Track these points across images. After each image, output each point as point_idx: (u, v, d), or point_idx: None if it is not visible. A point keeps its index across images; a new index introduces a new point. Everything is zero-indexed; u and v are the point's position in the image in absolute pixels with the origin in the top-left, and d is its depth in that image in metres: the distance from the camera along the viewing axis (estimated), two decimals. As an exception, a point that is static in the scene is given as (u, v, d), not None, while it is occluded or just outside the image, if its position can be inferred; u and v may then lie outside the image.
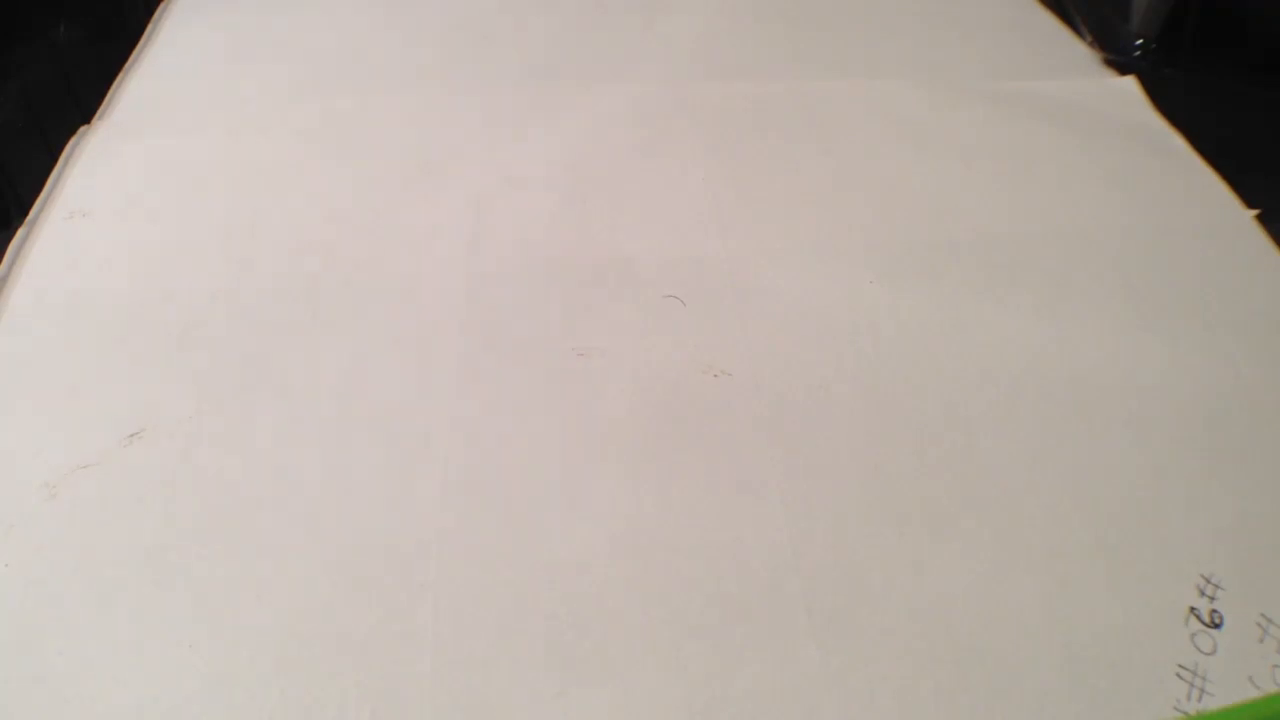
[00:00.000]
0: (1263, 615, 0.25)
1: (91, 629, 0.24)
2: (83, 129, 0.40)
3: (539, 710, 0.23)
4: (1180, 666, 0.24)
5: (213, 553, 0.26)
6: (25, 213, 0.35)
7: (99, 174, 0.38)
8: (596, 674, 0.23)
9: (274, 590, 0.25)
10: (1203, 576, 0.26)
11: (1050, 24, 0.50)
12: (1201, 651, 0.24)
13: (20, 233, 0.34)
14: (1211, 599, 0.25)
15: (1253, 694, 0.23)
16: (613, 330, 0.32)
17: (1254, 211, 0.37)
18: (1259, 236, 0.37)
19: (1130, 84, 0.44)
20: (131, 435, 0.28)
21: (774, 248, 0.35)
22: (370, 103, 0.42)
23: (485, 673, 0.23)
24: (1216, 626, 0.25)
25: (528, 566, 0.25)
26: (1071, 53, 0.48)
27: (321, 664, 0.23)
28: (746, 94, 0.43)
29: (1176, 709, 0.23)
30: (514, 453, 0.28)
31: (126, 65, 0.45)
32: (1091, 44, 0.48)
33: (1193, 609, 0.25)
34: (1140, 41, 0.48)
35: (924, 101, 0.43)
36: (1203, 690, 0.23)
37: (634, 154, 0.40)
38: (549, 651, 0.24)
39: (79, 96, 0.43)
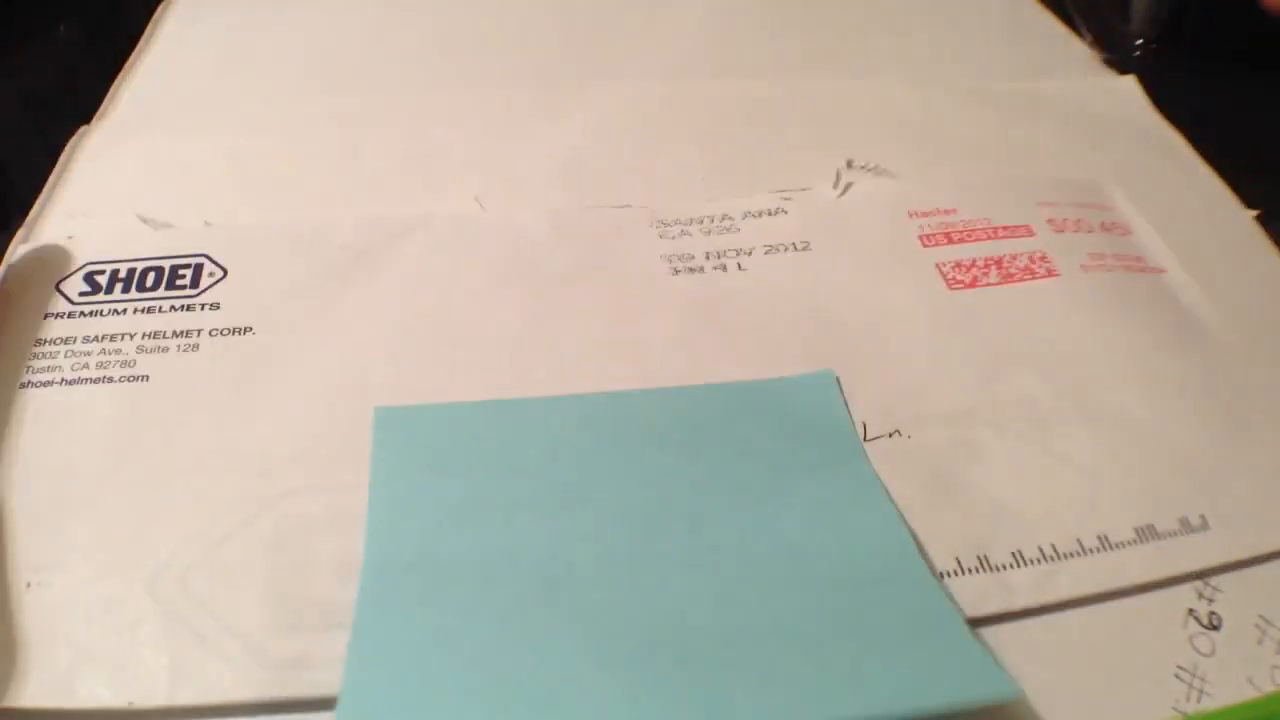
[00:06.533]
0: (1261, 617, 0.25)
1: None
2: (83, 129, 0.40)
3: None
4: (1179, 668, 0.24)
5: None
6: (25, 213, 0.35)
7: (99, 174, 0.38)
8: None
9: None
10: (1201, 579, 0.26)
11: (1050, 24, 0.50)
12: (1200, 653, 0.24)
13: (20, 233, 0.34)
14: (1210, 601, 0.25)
15: (1252, 695, 0.24)
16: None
17: (1254, 212, 0.37)
18: (1259, 236, 0.37)
19: (1130, 84, 0.44)
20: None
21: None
22: (371, 103, 0.43)
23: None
24: (1215, 628, 0.25)
25: None
26: (1071, 53, 0.48)
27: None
28: (746, 93, 0.43)
29: (1175, 710, 0.23)
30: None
31: (126, 65, 0.45)
32: (1091, 44, 0.48)
33: (1191, 610, 0.25)
34: (1140, 41, 0.48)
35: (923, 101, 0.43)
36: (1202, 691, 0.24)
37: (634, 153, 0.40)
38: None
39: (79, 96, 0.43)
